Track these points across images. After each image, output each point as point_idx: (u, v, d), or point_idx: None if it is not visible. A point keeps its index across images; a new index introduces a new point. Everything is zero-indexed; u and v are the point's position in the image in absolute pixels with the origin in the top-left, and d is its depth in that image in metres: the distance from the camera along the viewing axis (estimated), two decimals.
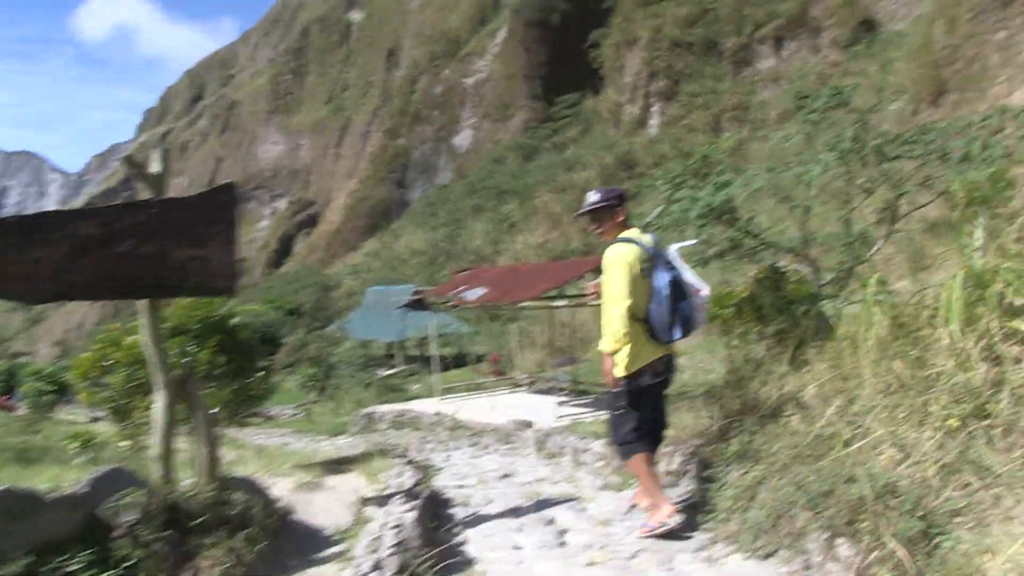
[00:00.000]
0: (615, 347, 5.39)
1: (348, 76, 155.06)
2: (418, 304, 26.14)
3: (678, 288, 5.41)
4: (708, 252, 6.19)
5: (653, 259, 5.46)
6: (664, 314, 5.34)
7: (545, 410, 19.79)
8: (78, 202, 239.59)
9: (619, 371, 5.47)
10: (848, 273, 6.49)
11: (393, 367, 45.82)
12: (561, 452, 9.23)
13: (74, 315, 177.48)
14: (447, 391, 25.78)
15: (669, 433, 6.32)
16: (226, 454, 10.33)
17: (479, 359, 36.61)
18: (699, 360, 25.89)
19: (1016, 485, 3.20)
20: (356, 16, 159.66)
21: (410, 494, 5.74)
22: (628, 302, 5.28)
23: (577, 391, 23.56)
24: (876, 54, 44.78)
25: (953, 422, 3.63)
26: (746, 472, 5.18)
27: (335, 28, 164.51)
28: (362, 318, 53.56)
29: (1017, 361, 3.63)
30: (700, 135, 53.17)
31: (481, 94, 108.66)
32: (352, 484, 6.33)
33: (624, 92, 66.74)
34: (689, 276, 5.56)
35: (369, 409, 24.85)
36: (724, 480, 5.49)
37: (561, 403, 19.34)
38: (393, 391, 36.06)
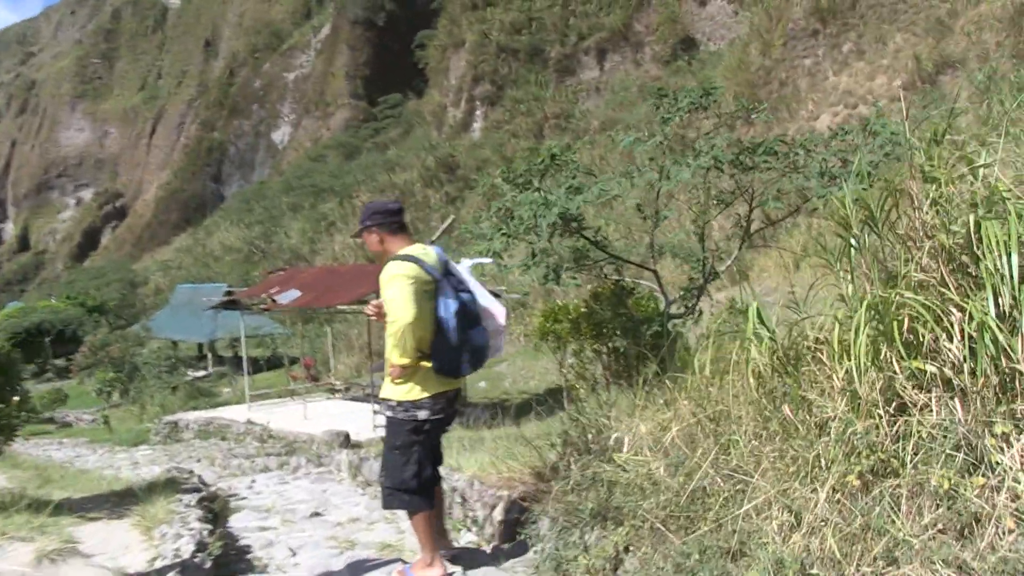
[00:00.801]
0: (409, 361, 4.65)
1: (162, 64, 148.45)
2: (230, 304, 25.02)
3: (466, 315, 4.72)
4: (544, 263, 5.81)
5: (437, 282, 4.71)
6: (451, 348, 4.65)
7: (361, 418, 19.33)
8: None
9: (402, 392, 4.74)
10: (700, 290, 6.35)
11: (203, 369, 44.01)
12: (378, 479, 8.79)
13: None
14: (259, 397, 24.84)
15: (495, 470, 5.82)
16: None
17: (293, 362, 35.52)
18: (520, 367, 26.09)
19: (931, 558, 2.81)
20: (173, 1, 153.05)
21: (187, 570, 4.59)
22: (413, 312, 4.51)
23: None
24: (695, 72, 46.47)
25: (852, 479, 3.12)
26: (605, 535, 4.19)
27: (149, 12, 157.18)
28: (170, 317, 51.25)
29: (923, 408, 3.19)
30: (523, 141, 53.69)
31: (302, 90, 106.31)
32: (118, 543, 5.13)
33: (448, 95, 66.68)
34: (483, 297, 4.92)
35: (174, 416, 23.61)
36: (574, 542, 4.45)
37: (378, 411, 18.86)
38: (202, 395, 34.47)
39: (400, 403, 4.71)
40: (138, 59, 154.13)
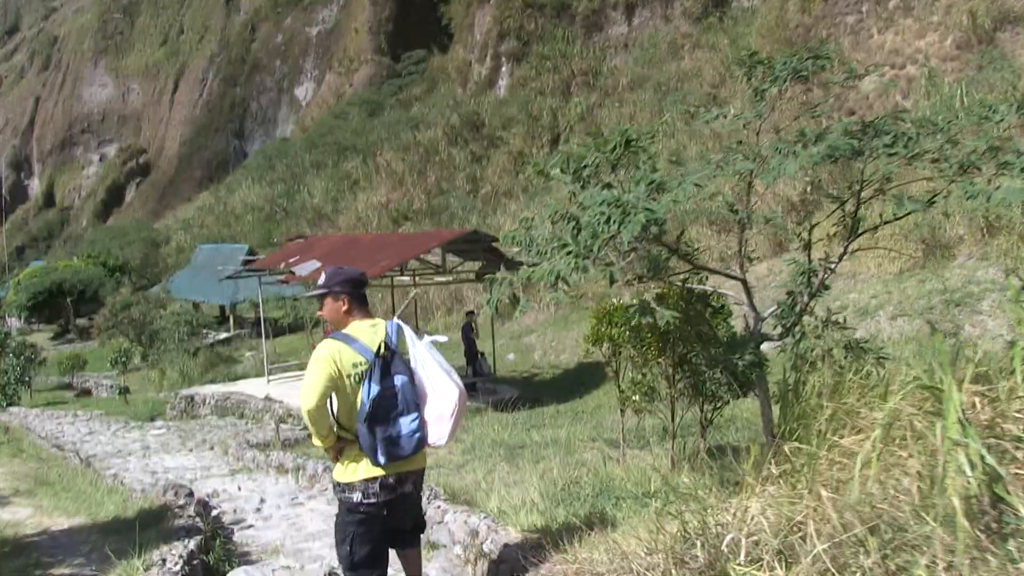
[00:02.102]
0: (324, 444, 4.60)
1: (184, 19, 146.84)
2: (248, 271, 24.01)
3: (388, 402, 4.48)
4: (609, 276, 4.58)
5: (370, 365, 4.52)
6: (365, 435, 4.45)
7: None
8: None
9: (338, 471, 4.69)
10: (804, 307, 5.15)
11: (224, 332, 43.30)
12: None
13: None
14: (279, 370, 23.90)
15: (550, 541, 4.78)
16: None
17: (316, 324, 34.54)
18: (550, 339, 25.01)
19: None
20: None
21: None
22: (313, 404, 4.42)
23: None
24: (727, 29, 44.73)
25: None
26: None
27: None
28: (191, 278, 50.46)
29: None
30: (549, 98, 52.21)
31: (325, 45, 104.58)
32: None
33: (473, 51, 65.01)
34: (432, 379, 4.63)
35: (191, 391, 22.73)
36: None
37: None
38: (223, 361, 33.71)
39: (336, 483, 4.70)
40: (159, 14, 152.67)
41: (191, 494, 7.70)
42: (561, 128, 48.49)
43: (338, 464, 4.65)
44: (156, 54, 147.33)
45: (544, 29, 58.48)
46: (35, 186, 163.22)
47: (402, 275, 20.43)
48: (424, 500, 6.78)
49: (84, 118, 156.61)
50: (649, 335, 6.27)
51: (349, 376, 4.47)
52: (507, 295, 5.15)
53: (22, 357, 28.98)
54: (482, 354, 19.36)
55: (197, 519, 6.68)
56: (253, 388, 21.52)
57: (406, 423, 4.47)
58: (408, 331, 4.78)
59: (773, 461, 3.63)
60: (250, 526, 7.50)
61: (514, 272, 5.20)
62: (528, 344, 24.43)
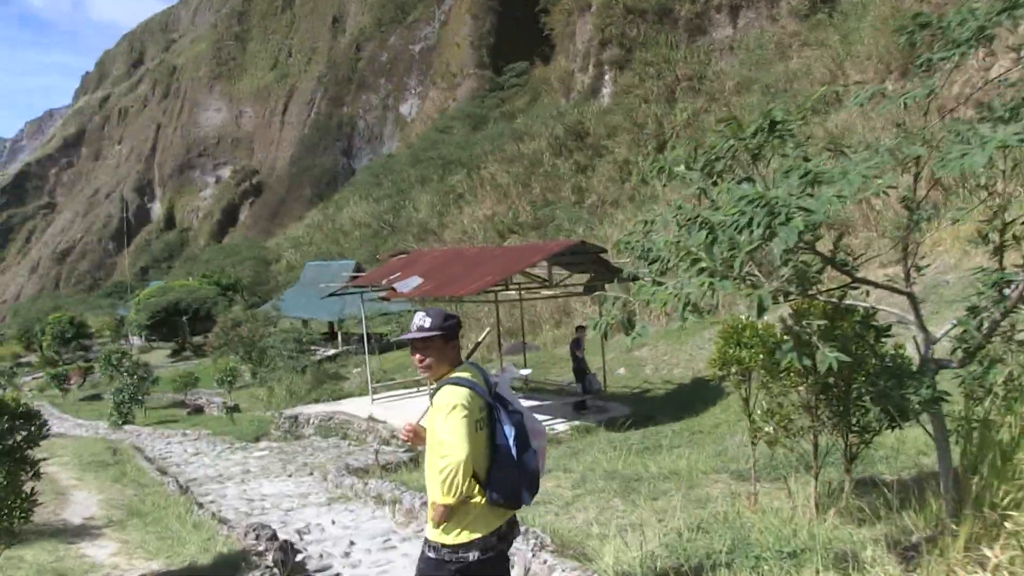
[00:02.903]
0: (454, 501, 4.02)
1: (292, 42, 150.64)
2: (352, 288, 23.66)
3: (522, 439, 4.18)
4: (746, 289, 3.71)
5: (490, 407, 4.16)
6: (511, 478, 4.10)
7: None
8: (14, 168, 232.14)
9: (451, 536, 4.12)
10: (993, 327, 4.15)
11: (332, 348, 43.47)
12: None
13: (8, 287, 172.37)
14: (382, 387, 23.46)
15: None
16: None
17: None
18: (662, 352, 23.94)
19: None
20: None
21: None
22: (467, 449, 3.94)
23: (529, 388, 21.42)
24: (836, 24, 42.86)
25: None
26: None
27: None
28: (300, 295, 50.99)
29: None
30: (654, 105, 51.03)
31: (428, 61, 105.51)
32: None
33: (575, 60, 64.22)
34: (528, 416, 4.32)
35: (295, 411, 22.45)
36: None
37: None
38: (330, 378, 33.66)
39: (446, 546, 4.13)
40: (269, 39, 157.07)
41: (274, 537, 7.05)
42: (667, 135, 47.18)
43: (444, 524, 4.11)
44: (266, 77, 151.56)
45: (646, 35, 57.33)
46: (156, 209, 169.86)
47: (507, 289, 19.69)
48: (527, 549, 5.94)
49: (201, 142, 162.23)
50: (789, 368, 5.33)
51: (478, 421, 4.08)
52: (620, 318, 4.31)
53: (135, 376, 29.37)
54: (590, 372, 18.48)
55: (275, 569, 6.00)
56: (357, 407, 21.07)
57: (534, 459, 4.20)
58: (500, 376, 4.44)
59: (983, 539, 2.69)
60: (338, 574, 6.79)
61: (627, 288, 4.40)
62: (639, 358, 23.37)
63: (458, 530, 4.08)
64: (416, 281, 18.80)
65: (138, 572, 6.75)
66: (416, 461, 15.63)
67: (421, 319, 4.28)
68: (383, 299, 21.26)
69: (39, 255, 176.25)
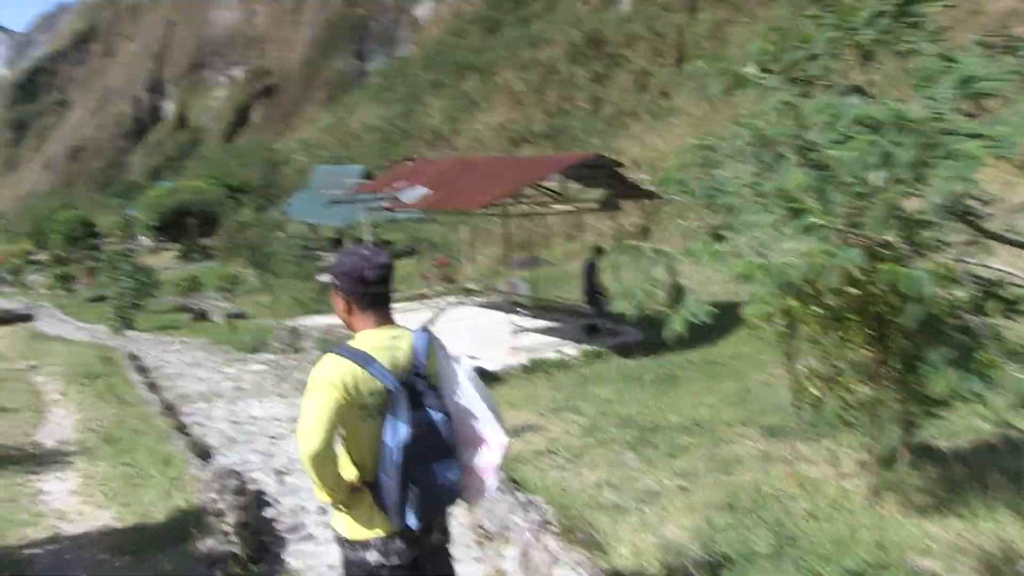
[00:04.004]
0: (330, 498, 3.27)
1: None
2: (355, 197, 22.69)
3: (422, 447, 3.20)
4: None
5: (389, 393, 3.19)
6: (393, 489, 3.18)
7: (498, 334, 16.83)
8: (26, 63, 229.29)
9: (346, 526, 3.35)
10: None
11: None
12: (505, 534, 5.71)
13: (22, 183, 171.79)
14: None
15: None
16: None
17: (433, 247, 33.28)
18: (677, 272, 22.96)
19: None
20: None
21: None
22: (316, 447, 3.08)
23: (538, 307, 20.56)
24: None
25: None
26: None
27: None
28: (309, 200, 50.01)
29: None
30: (674, 14, 49.16)
31: None
32: None
33: None
34: (476, 417, 3.36)
35: (295, 322, 21.68)
36: None
37: (517, 328, 16.26)
38: None
39: (346, 540, 3.37)
40: None
41: (241, 491, 6.24)
42: (687, 46, 45.43)
43: (343, 518, 3.34)
44: None
45: None
46: (169, 108, 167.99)
47: (518, 203, 18.68)
48: (526, 526, 5.09)
49: (213, 41, 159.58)
50: (852, 316, 4.39)
51: (364, 407, 3.19)
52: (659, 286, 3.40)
53: (136, 280, 28.61)
54: (603, 293, 17.55)
55: (232, 538, 5.19)
56: None
57: (445, 471, 3.27)
58: (442, 349, 3.42)
59: None
60: (310, 536, 6.00)
61: (646, 209, 3.45)
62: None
63: (351, 520, 3.32)
64: (422, 191, 17.80)
65: (83, 525, 5.99)
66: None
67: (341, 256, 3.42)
68: (387, 209, 20.31)
69: (52, 152, 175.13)
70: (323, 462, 3.08)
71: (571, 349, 16.01)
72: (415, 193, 17.86)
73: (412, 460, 3.14)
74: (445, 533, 3.54)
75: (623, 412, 8.40)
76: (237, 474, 6.78)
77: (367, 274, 3.25)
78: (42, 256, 63.23)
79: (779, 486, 5.46)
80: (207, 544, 4.97)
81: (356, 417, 3.17)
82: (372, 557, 3.28)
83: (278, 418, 11.75)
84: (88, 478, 7.70)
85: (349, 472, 3.27)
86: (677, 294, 3.28)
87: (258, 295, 33.86)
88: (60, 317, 33.34)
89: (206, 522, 5.38)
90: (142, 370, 16.88)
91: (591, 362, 15.20)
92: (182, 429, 10.74)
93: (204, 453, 9.31)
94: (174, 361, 19.10)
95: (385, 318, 3.33)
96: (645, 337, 17.03)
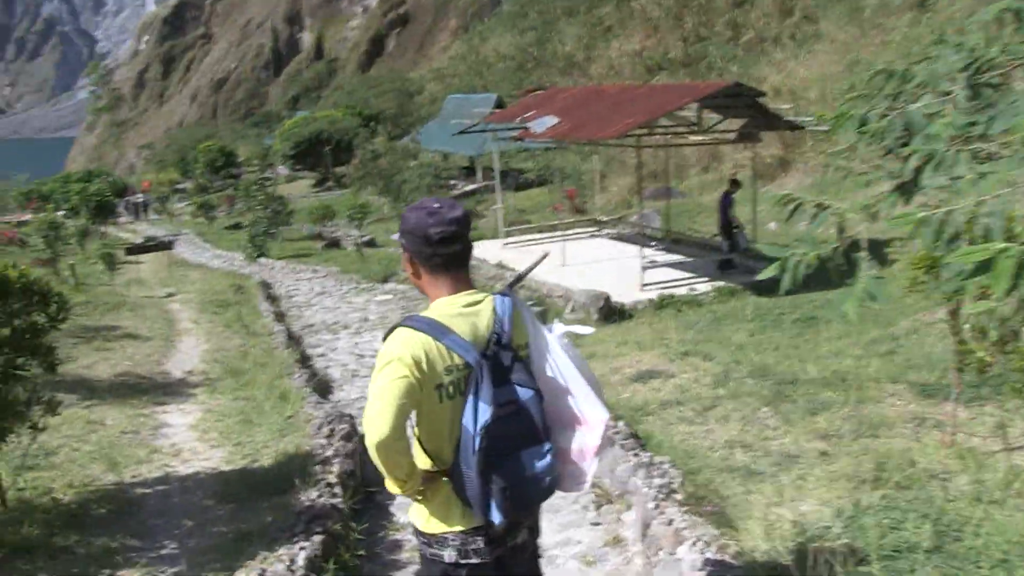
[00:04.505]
0: (403, 489, 2.79)
1: None
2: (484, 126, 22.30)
3: (507, 432, 2.68)
4: None
5: (474, 371, 2.69)
6: (474, 480, 2.67)
7: (627, 267, 16.32)
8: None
9: (422, 519, 2.89)
10: None
11: (471, 185, 42.64)
12: (626, 497, 5.32)
13: (173, 115, 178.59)
14: (516, 230, 22.35)
15: None
16: None
17: (564, 179, 32.64)
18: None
19: None
20: None
21: None
22: (385, 435, 2.58)
23: (670, 240, 19.87)
24: None
25: None
26: None
27: None
28: (440, 128, 49.94)
29: None
30: None
31: None
32: None
33: None
34: (573, 393, 2.85)
35: None
36: None
37: (649, 263, 15.70)
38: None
39: (421, 533, 2.92)
40: None
41: (349, 436, 6.01)
42: None
43: (421, 509, 2.88)
44: None
45: None
46: (306, 39, 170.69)
47: (652, 134, 17.91)
48: (649, 492, 4.64)
49: None
50: None
51: (440, 387, 2.71)
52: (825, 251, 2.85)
53: (269, 209, 29.06)
54: (739, 227, 16.73)
55: (336, 490, 4.93)
56: (488, 251, 20.05)
57: (535, 460, 2.75)
58: (529, 314, 2.94)
59: None
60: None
61: (785, 139, 2.88)
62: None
63: (428, 513, 2.87)
64: (551, 120, 17.27)
65: (195, 465, 5.90)
66: (544, 316, 14.58)
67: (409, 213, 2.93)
68: (515, 139, 19.85)
69: (198, 84, 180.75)
70: (393, 452, 2.63)
71: (704, 285, 15.39)
72: (545, 122, 17.34)
73: (496, 447, 2.66)
74: (534, 531, 3.07)
75: (758, 360, 7.81)
76: (350, 417, 6.57)
77: (432, 233, 2.75)
78: (187, 185, 65.49)
79: (935, 458, 4.85)
80: (310, 495, 4.74)
81: (431, 399, 2.69)
82: (448, 555, 2.84)
83: None
84: (208, 412, 7.69)
85: (423, 461, 2.81)
86: (848, 263, 2.72)
87: (389, 223, 34.10)
88: (200, 244, 34.39)
89: (311, 471, 5.16)
90: (272, 299, 17.12)
91: (724, 300, 14.55)
92: (305, 361, 10.73)
93: (324, 388, 9.24)
94: (303, 290, 19.33)
95: (462, 283, 2.84)
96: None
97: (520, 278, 3.21)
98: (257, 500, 5.00)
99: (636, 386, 7.41)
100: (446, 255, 2.78)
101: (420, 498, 2.85)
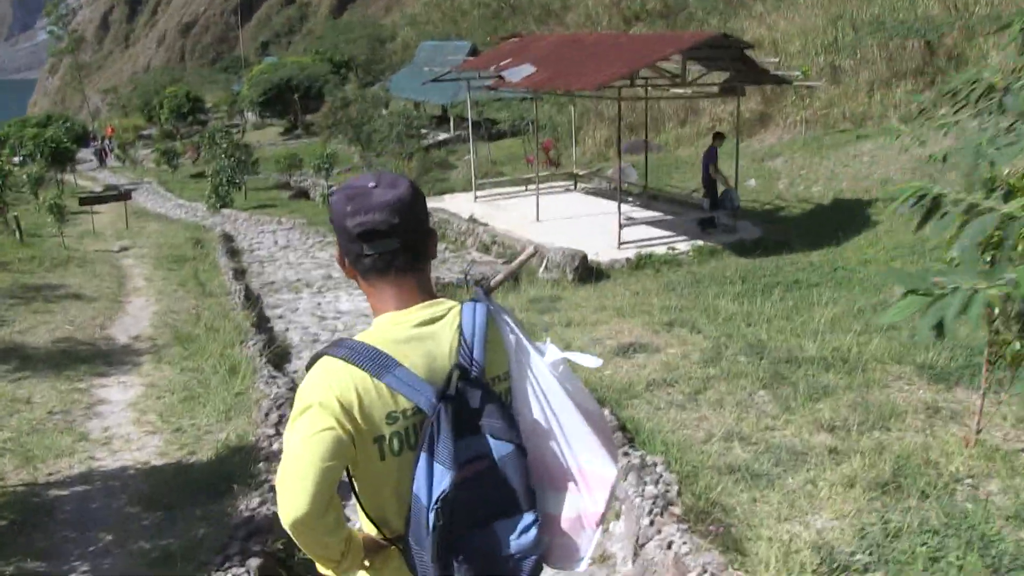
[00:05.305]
0: (337, 573, 1.98)
1: None
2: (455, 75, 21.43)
3: (482, 496, 1.90)
4: None
5: (430, 418, 1.84)
6: (427, 563, 1.85)
7: (604, 224, 15.68)
8: None
9: None
10: None
11: (444, 132, 41.78)
12: (614, 504, 4.54)
13: (138, 58, 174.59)
14: (488, 183, 21.59)
15: None
16: None
17: (539, 129, 31.89)
18: (798, 165, 21.16)
19: None
20: None
21: None
22: (304, 511, 1.76)
23: (648, 196, 19.19)
24: None
25: None
26: None
27: None
28: (412, 76, 48.75)
29: None
30: None
31: None
32: None
33: None
34: (571, 433, 2.03)
35: None
36: None
37: (626, 219, 15.06)
38: (437, 165, 32.03)
39: None
40: None
41: None
42: None
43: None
44: None
45: None
46: None
47: (632, 85, 17.14)
48: (641, 502, 4.02)
49: None
50: None
51: (381, 440, 1.89)
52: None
53: (233, 159, 28.09)
54: (727, 185, 16.04)
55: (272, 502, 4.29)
56: (458, 205, 19.34)
57: (513, 535, 1.95)
58: (511, 331, 2.06)
59: None
60: None
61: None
62: (772, 169, 20.69)
63: None
64: (528, 69, 16.45)
65: (124, 457, 5.23)
66: (515, 276, 13.93)
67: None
68: (490, 88, 19.03)
69: (165, 27, 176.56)
70: (318, 532, 1.85)
71: (683, 244, 14.79)
72: (521, 71, 16.54)
73: (461, 519, 1.89)
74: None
75: (750, 335, 7.19)
76: None
77: (351, 225, 1.94)
78: (152, 131, 63.88)
79: (958, 457, 4.29)
80: (251, 503, 4.08)
81: (369, 456, 1.88)
82: None
83: (365, 314, 10.96)
84: (150, 387, 7.01)
85: (366, 525, 2.01)
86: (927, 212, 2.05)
87: (358, 173, 33.18)
88: (162, 193, 33.36)
89: (253, 470, 4.50)
90: (233, 253, 16.39)
91: (705, 260, 13.99)
92: (262, 324, 10.06)
93: (281, 356, 8.57)
94: (267, 243, 18.57)
95: (413, 292, 2.01)
96: (764, 234, 15.65)
97: (502, 281, 2.45)
98: (190, 506, 4.34)
99: (619, 360, 6.79)
100: (377, 256, 1.97)
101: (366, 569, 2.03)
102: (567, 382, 2.03)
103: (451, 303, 2.02)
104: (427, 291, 2.03)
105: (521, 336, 2.04)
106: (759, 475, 4.31)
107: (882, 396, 5.41)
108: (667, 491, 4.01)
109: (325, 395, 1.83)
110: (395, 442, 1.88)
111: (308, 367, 1.90)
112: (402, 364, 1.89)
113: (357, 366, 1.86)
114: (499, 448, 1.92)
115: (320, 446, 1.78)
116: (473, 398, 1.91)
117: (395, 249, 1.95)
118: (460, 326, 1.98)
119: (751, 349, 6.65)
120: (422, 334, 1.95)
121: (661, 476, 4.19)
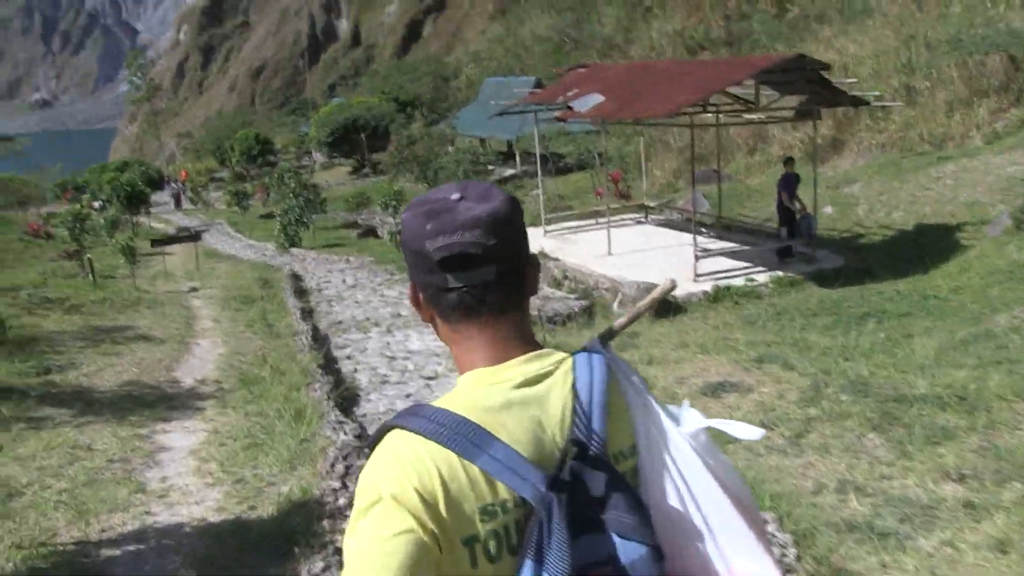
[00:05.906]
0: None
1: None
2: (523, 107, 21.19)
3: None
4: None
5: (538, 512, 1.24)
6: None
7: (678, 257, 15.19)
8: None
9: None
10: None
11: (510, 168, 41.72)
12: None
13: (211, 104, 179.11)
14: (556, 217, 21.20)
15: None
16: None
17: (606, 162, 31.49)
18: (876, 190, 20.33)
19: None
20: None
21: None
22: None
23: (722, 226, 18.58)
24: None
25: None
26: None
27: None
28: (477, 112, 48.93)
29: None
30: None
31: None
32: None
33: None
34: (718, 526, 1.37)
35: None
36: None
37: (701, 251, 14.56)
38: None
39: None
40: None
41: None
42: None
43: None
44: None
45: None
46: (343, 26, 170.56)
47: (704, 112, 16.68)
48: None
49: None
50: None
51: (474, 542, 1.29)
52: None
53: (301, 198, 28.21)
54: (805, 212, 15.38)
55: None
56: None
57: None
58: (638, 392, 1.49)
59: None
60: None
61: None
62: (849, 195, 19.91)
63: None
64: (596, 99, 16.09)
65: (181, 512, 4.90)
66: (590, 312, 13.48)
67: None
68: (558, 119, 18.69)
69: (236, 73, 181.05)
70: None
71: (761, 275, 14.21)
72: (589, 101, 16.18)
73: None
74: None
75: (849, 371, 6.63)
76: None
77: (431, 249, 1.40)
78: (224, 174, 65.05)
79: None
80: (314, 568, 3.69)
81: (457, 562, 1.29)
82: None
83: (436, 353, 10.60)
84: (213, 433, 6.72)
85: None
86: None
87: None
88: (232, 234, 33.69)
89: (317, 529, 4.11)
90: (300, 292, 16.22)
91: (785, 291, 13.40)
92: (330, 365, 9.76)
93: (349, 399, 8.24)
94: (335, 282, 18.40)
95: (509, 338, 1.47)
96: (845, 263, 14.98)
97: (629, 322, 1.70)
98: (247, 569, 3.97)
99: (708, 401, 6.30)
100: (465, 289, 1.43)
101: None
102: (709, 457, 1.48)
103: (560, 355, 1.49)
104: (527, 338, 1.51)
105: (650, 398, 1.51)
106: (885, 534, 3.80)
107: (1014, 440, 4.83)
108: (784, 555, 3.50)
109: (399, 485, 1.29)
110: (492, 544, 1.33)
111: (372, 445, 1.39)
112: (500, 439, 1.36)
113: (441, 444, 1.33)
114: (628, 550, 1.37)
115: (396, 555, 1.22)
116: (594, 484, 1.38)
117: (490, 281, 1.45)
118: (574, 386, 1.44)
119: (853, 387, 6.11)
120: (526, 398, 1.42)
121: (775, 536, 3.69)
